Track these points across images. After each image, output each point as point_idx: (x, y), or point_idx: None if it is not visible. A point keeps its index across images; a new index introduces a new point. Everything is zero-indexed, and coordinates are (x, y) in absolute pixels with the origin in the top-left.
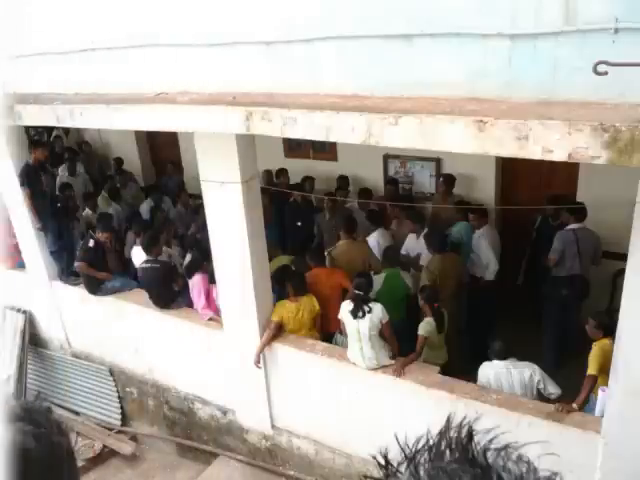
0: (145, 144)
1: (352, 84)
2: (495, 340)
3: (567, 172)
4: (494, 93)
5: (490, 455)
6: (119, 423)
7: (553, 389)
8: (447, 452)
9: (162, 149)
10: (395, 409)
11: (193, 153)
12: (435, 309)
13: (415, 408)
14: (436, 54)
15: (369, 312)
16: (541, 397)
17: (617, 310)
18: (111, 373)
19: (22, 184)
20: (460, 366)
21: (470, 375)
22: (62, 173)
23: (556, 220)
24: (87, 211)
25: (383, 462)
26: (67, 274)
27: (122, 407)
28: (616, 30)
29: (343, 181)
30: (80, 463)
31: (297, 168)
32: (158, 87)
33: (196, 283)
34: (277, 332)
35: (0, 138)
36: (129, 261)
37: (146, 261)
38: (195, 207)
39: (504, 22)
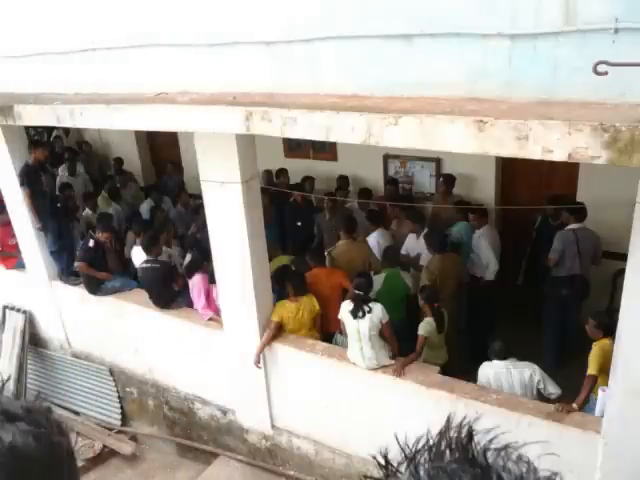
0: (145, 144)
1: (352, 84)
2: (495, 340)
3: (567, 172)
4: (494, 93)
5: (490, 455)
6: (119, 423)
7: (553, 389)
8: (447, 452)
9: (162, 149)
10: (395, 409)
11: (193, 153)
12: (435, 309)
13: (415, 408)
14: (436, 54)
15: (369, 312)
16: (541, 397)
17: (617, 310)
18: (111, 373)
19: (22, 184)
20: (460, 366)
21: (470, 375)
22: (62, 173)
23: (556, 220)
24: (87, 211)
25: (383, 462)
26: (67, 274)
27: (122, 407)
28: (616, 30)
29: (343, 181)
30: (80, 463)
31: (297, 168)
32: (158, 87)
33: (196, 283)
34: (277, 332)
35: None
36: (129, 261)
37: (146, 261)
38: (195, 207)
39: (504, 22)
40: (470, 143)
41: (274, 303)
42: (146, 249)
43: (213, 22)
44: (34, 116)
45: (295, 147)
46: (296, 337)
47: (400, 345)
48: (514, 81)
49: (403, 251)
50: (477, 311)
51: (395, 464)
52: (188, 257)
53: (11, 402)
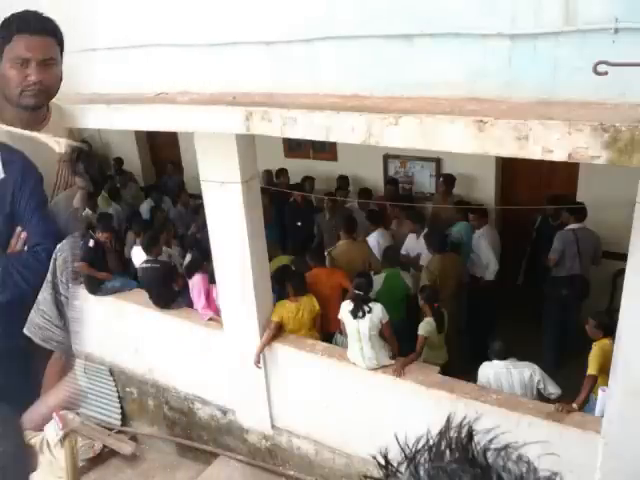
0: (145, 144)
1: (352, 84)
2: (495, 340)
3: (567, 172)
4: (494, 93)
5: (490, 455)
6: (119, 423)
7: (553, 389)
8: (447, 452)
9: (162, 149)
10: (395, 409)
11: (193, 153)
12: (435, 309)
13: (415, 408)
14: (436, 54)
15: (369, 312)
16: (541, 397)
17: (617, 310)
18: (111, 373)
19: None
20: (460, 366)
21: (470, 375)
22: None
23: (556, 220)
24: (87, 211)
25: (383, 462)
26: None
27: (122, 407)
28: (616, 30)
29: (343, 181)
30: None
31: (297, 168)
32: (158, 87)
33: (196, 283)
34: (277, 332)
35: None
36: (129, 261)
37: (146, 261)
38: (195, 207)
39: (504, 22)
40: (470, 143)
41: (274, 303)
42: (146, 249)
43: (213, 22)
44: None
45: (295, 147)
46: (296, 337)
47: (400, 345)
48: (514, 81)
49: (403, 251)
50: (477, 311)
51: (395, 464)
52: (188, 257)
53: None
